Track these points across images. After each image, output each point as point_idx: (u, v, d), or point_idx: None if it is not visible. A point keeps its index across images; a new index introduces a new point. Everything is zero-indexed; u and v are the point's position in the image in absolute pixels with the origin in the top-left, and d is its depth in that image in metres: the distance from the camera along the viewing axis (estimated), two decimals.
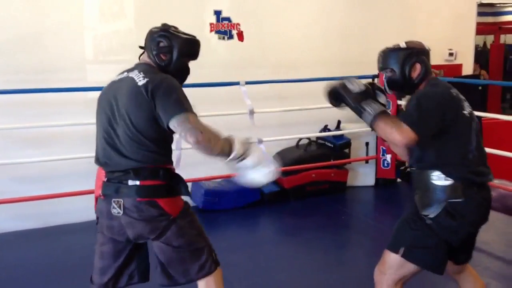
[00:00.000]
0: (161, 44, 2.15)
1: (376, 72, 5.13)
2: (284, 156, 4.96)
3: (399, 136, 1.97)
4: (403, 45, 2.30)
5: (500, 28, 11.40)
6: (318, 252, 3.71)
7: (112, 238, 2.09)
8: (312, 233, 4.07)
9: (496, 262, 3.47)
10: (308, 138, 5.09)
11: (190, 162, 4.48)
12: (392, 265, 2.16)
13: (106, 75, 4.37)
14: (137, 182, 1.97)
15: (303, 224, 4.29)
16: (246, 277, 3.20)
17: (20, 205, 3.99)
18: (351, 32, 5.30)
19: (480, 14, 6.90)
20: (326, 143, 5.09)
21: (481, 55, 10.43)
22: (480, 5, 6.20)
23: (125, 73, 2.15)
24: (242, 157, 1.97)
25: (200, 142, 1.90)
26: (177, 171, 4.35)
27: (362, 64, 5.21)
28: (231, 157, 1.95)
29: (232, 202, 4.54)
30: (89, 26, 4.37)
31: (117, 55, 4.51)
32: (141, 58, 2.26)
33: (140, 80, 2.02)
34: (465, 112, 2.12)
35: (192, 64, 4.59)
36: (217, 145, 1.94)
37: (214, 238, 4.18)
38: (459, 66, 5.94)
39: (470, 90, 5.74)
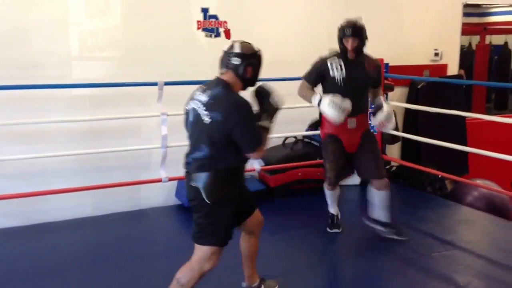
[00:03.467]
0: None
1: None
2: (270, 155, 4.96)
3: None
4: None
5: (485, 29, 11.52)
6: (303, 250, 3.72)
7: None
8: (297, 232, 4.07)
9: (479, 261, 3.50)
10: (295, 137, 5.09)
11: (176, 160, 4.47)
12: None
13: (91, 72, 4.41)
14: None
15: (289, 223, 4.29)
16: (230, 276, 3.20)
17: (3, 202, 3.94)
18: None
19: (465, 14, 6.95)
20: (313, 142, 5.10)
21: (466, 56, 10.53)
22: (466, 5, 6.25)
23: None
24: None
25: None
26: (162, 169, 4.36)
27: None
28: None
29: None
30: (74, 22, 4.33)
31: (103, 51, 4.47)
32: None
33: None
34: (187, 107, 2.55)
35: (179, 62, 4.62)
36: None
37: None
38: (445, 66, 5.99)
39: (455, 90, 5.80)
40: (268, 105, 2.56)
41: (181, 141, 4.41)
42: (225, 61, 2.50)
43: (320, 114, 3.63)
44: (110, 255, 3.58)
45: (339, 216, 4.03)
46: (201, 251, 2.53)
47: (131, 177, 4.37)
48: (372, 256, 3.63)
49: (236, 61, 2.47)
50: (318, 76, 3.58)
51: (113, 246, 3.75)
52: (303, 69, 5.30)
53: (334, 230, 3.95)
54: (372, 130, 3.77)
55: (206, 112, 2.39)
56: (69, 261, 3.48)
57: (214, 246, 2.52)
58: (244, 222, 2.71)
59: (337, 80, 3.48)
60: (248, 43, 2.57)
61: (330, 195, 3.91)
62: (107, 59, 4.51)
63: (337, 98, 3.32)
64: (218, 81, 2.49)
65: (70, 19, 4.30)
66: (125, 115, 4.32)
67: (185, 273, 2.56)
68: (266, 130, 2.52)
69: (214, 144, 2.40)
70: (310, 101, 3.50)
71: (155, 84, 4.16)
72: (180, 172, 4.51)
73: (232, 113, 2.35)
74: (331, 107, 3.30)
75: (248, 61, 2.48)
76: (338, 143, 3.59)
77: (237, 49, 2.49)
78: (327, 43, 5.33)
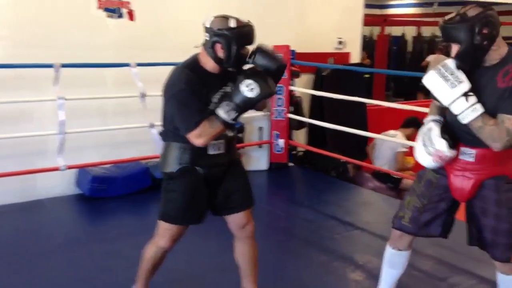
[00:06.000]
0: None
1: None
2: None
3: None
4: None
5: (385, 20, 12.14)
6: (210, 237, 3.67)
7: None
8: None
9: (377, 240, 3.67)
10: None
11: (76, 147, 4.24)
12: None
13: None
14: None
15: None
16: (134, 265, 3.10)
17: None
18: (246, 18, 5.28)
19: (367, 6, 7.26)
20: None
21: (368, 45, 11.04)
22: None
23: None
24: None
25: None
26: (59, 157, 4.11)
27: None
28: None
29: (122, 189, 4.36)
30: None
31: None
32: None
33: None
34: None
35: (79, 44, 4.35)
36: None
37: (102, 227, 4.02)
38: (348, 55, 6.20)
39: (357, 77, 6.03)
40: (235, 89, 2.12)
41: (81, 127, 4.22)
42: None
43: None
44: (4, 251, 3.32)
45: None
46: (158, 225, 2.41)
47: (26, 165, 4.06)
48: (277, 239, 3.69)
49: (206, 36, 2.21)
50: None
51: (8, 241, 3.48)
52: None
53: None
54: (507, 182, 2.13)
55: None
56: None
57: (163, 221, 2.36)
58: (227, 218, 2.47)
59: None
60: (225, 16, 2.22)
61: (389, 262, 2.46)
62: None
63: (431, 132, 2.15)
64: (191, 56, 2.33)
65: None
66: (17, 99, 4.00)
67: (146, 247, 2.47)
68: (219, 119, 2.13)
69: (164, 115, 2.32)
70: None
71: (51, 66, 3.89)
72: (80, 159, 4.32)
73: (165, 88, 2.24)
74: (420, 145, 2.18)
75: (214, 38, 2.16)
76: (440, 177, 2.24)
77: (207, 23, 2.21)
78: None
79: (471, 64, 2.05)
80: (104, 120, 4.49)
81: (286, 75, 5.18)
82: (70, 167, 4.04)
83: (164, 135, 2.37)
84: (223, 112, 2.12)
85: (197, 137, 2.15)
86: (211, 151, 2.29)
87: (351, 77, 5.72)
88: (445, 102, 2.01)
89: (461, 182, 2.16)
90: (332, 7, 6.02)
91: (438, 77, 2.01)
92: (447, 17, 2.07)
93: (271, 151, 5.37)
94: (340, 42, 6.11)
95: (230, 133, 2.35)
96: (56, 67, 3.88)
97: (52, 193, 4.31)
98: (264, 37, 5.47)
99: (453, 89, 1.98)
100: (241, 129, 5.14)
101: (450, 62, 2.03)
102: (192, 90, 2.15)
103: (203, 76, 2.21)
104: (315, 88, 5.82)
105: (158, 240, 2.40)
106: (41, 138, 4.14)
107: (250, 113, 5.13)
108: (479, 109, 1.97)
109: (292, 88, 5.31)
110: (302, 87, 5.60)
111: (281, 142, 5.31)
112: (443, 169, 2.21)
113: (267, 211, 4.38)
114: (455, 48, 2.05)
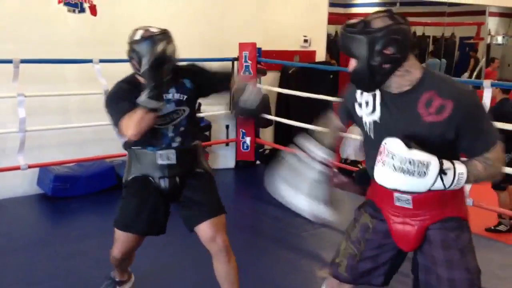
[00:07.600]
0: None
1: (235, 54, 5.18)
2: None
3: None
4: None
5: (349, 19, 12.27)
6: (173, 235, 3.64)
7: None
8: (169, 216, 3.98)
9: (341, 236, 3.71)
10: None
11: (37, 145, 4.12)
12: None
13: None
14: None
15: None
16: (98, 266, 3.03)
17: None
18: (210, 15, 5.24)
19: (331, 5, 7.31)
20: None
21: (333, 44, 11.14)
22: None
23: None
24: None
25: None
26: (20, 155, 3.98)
27: (222, 47, 5.22)
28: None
29: (86, 188, 4.27)
30: None
31: None
32: None
33: None
34: None
35: (37, 38, 4.23)
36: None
37: (65, 227, 3.92)
38: (313, 53, 6.24)
39: (323, 75, 6.08)
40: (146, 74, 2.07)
41: (42, 125, 4.09)
42: None
43: None
44: None
45: None
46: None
47: None
48: (244, 237, 3.68)
49: None
50: (344, 110, 1.97)
51: None
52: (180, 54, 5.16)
53: None
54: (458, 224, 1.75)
55: None
56: None
57: (115, 228, 2.35)
58: (197, 233, 2.34)
59: (365, 125, 1.79)
60: (139, 28, 2.19)
61: None
62: None
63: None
64: None
65: None
66: None
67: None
68: (142, 107, 2.05)
69: None
70: None
71: (10, 61, 3.76)
72: (42, 158, 4.19)
73: None
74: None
75: (129, 53, 2.17)
76: (377, 222, 1.86)
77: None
78: (200, 27, 5.29)
79: (365, 88, 1.68)
80: (67, 118, 4.39)
81: (252, 72, 5.18)
82: (31, 166, 3.92)
83: (123, 144, 2.40)
84: (143, 100, 2.05)
85: (126, 127, 2.10)
86: (159, 161, 2.27)
87: (317, 75, 5.77)
88: (423, 190, 1.58)
89: (403, 228, 1.76)
90: (298, 5, 6.06)
91: (399, 174, 1.55)
92: (350, 21, 1.64)
93: (238, 149, 5.35)
94: (306, 40, 6.15)
95: (159, 109, 2.13)
96: (15, 62, 3.76)
97: (12, 193, 4.18)
98: (230, 35, 5.52)
99: (425, 178, 1.54)
100: (207, 127, 5.11)
101: (396, 146, 1.56)
102: (120, 95, 2.21)
103: (137, 89, 2.12)
104: (281, 86, 5.83)
105: (113, 249, 2.40)
106: (0, 136, 4.00)
107: (217, 111, 5.16)
108: (463, 171, 1.57)
109: (258, 85, 5.30)
110: (268, 85, 5.60)
111: (248, 140, 5.30)
112: (380, 213, 1.83)
113: (234, 209, 4.34)
114: (352, 63, 1.63)
